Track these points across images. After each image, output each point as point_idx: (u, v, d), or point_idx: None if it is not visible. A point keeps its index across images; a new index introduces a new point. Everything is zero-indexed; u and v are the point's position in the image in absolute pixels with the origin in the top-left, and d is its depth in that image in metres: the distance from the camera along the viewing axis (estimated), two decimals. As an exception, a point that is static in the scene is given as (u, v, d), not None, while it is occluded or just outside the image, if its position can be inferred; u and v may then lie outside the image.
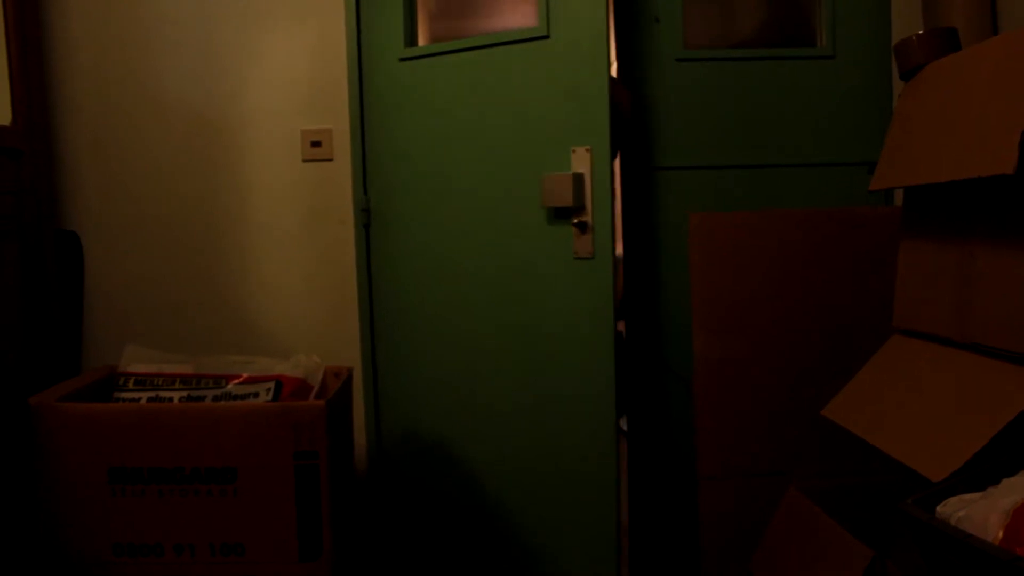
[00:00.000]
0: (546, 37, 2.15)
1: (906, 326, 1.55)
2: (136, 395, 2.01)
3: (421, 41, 2.46)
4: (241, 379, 2.04)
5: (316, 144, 2.48)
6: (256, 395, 2.01)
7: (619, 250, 2.34)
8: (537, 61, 2.17)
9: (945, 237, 1.41)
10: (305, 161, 2.49)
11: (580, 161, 2.10)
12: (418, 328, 2.43)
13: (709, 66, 2.47)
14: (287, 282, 2.53)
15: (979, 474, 1.19)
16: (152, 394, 2.01)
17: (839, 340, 2.12)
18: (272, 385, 2.01)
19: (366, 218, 2.47)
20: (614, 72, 2.53)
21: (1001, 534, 1.03)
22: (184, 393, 2.02)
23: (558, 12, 2.13)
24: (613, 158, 2.12)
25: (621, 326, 2.36)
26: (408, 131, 2.41)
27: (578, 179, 2.10)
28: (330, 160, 2.48)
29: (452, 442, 2.35)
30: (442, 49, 2.32)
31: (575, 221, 2.11)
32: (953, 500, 1.16)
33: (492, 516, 2.30)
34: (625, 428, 2.94)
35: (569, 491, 2.20)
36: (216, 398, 2.00)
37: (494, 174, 2.27)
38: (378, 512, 2.52)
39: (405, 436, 2.42)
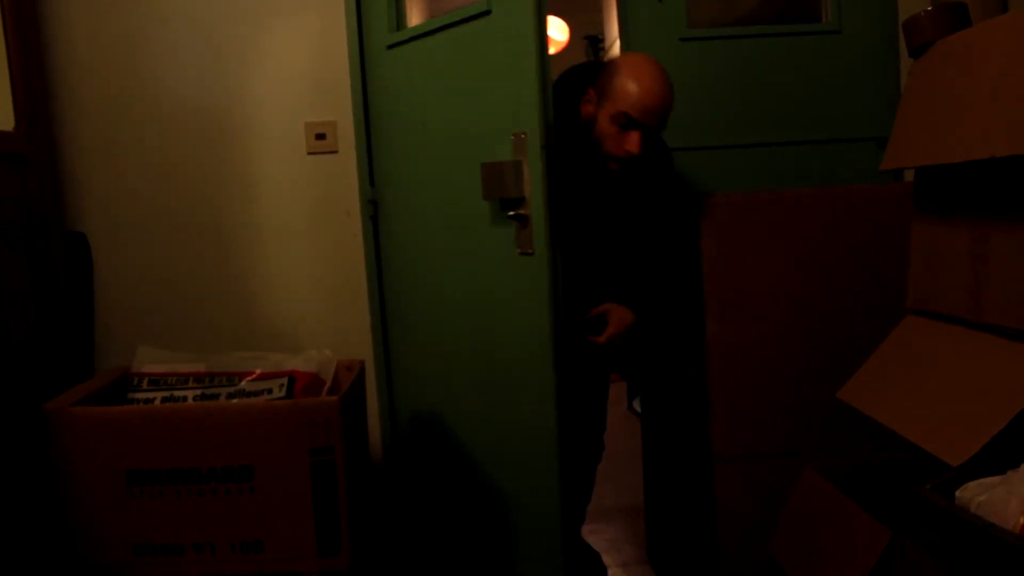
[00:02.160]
0: (488, 12, 1.95)
1: (920, 306, 1.54)
2: (150, 395, 2.02)
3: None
4: (254, 376, 2.04)
5: (321, 137, 2.47)
6: (270, 391, 2.01)
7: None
8: (484, 40, 1.99)
9: (958, 217, 1.40)
10: (310, 154, 2.48)
11: (520, 148, 1.88)
12: (412, 321, 2.42)
13: (713, 45, 2.45)
14: (296, 276, 2.53)
15: (998, 457, 1.19)
16: (166, 394, 2.02)
17: (854, 319, 2.11)
18: (285, 380, 2.02)
19: (372, 209, 2.47)
20: (616, 52, 2.50)
21: (1022, 520, 1.02)
22: (198, 392, 2.02)
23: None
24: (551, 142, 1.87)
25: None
26: (394, 121, 2.39)
27: (515, 167, 1.87)
28: (335, 152, 2.47)
29: (448, 427, 2.33)
30: (410, 35, 2.24)
31: (511, 214, 1.91)
32: (972, 485, 1.15)
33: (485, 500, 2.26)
34: (639, 410, 2.95)
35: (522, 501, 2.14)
36: (230, 396, 2.00)
37: (450, 164, 2.15)
38: (394, 501, 2.53)
39: (417, 423, 2.42)
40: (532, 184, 1.85)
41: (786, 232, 2.11)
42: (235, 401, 1.90)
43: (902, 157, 1.49)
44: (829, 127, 2.48)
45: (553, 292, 1.87)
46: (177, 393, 2.02)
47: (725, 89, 2.45)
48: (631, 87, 1.93)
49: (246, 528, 1.78)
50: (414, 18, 2.66)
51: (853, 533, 1.54)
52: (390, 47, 2.32)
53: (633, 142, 1.94)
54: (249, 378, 2.04)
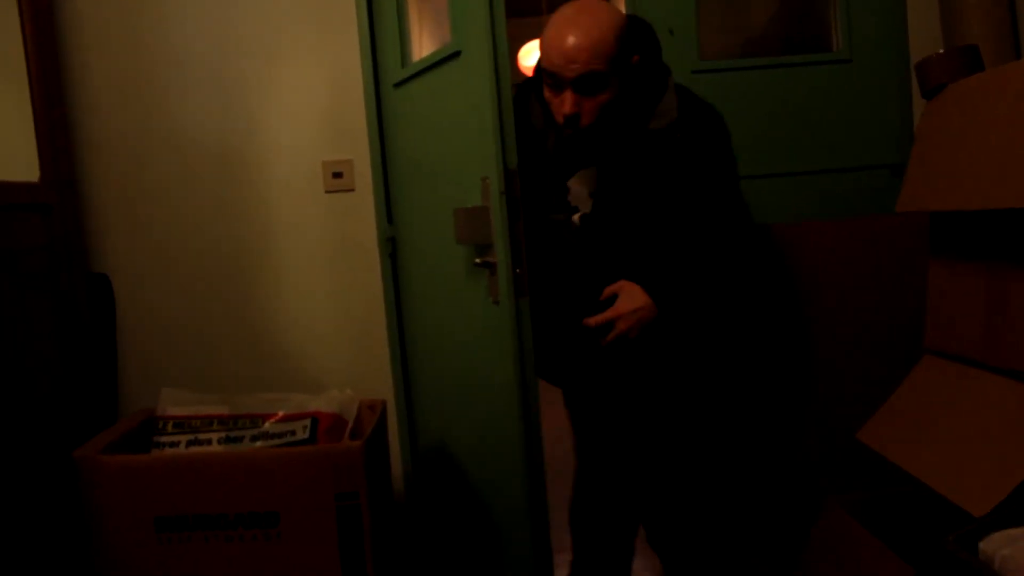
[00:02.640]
0: (457, 55, 1.93)
1: (937, 347, 1.55)
2: (176, 438, 2.04)
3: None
4: (277, 417, 2.06)
5: (338, 175, 2.49)
6: (293, 433, 2.03)
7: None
8: (456, 82, 1.96)
9: (975, 262, 1.41)
10: (328, 192, 2.51)
11: (486, 193, 1.79)
12: (427, 357, 2.44)
13: (725, 76, 2.46)
14: (316, 313, 2.55)
15: (1021, 506, 1.19)
16: (191, 436, 2.04)
17: (872, 349, 2.12)
18: (308, 422, 2.04)
19: (391, 247, 2.49)
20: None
21: (1047, 577, 1.03)
22: (223, 434, 2.05)
23: (465, 26, 1.86)
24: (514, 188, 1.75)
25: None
26: (401, 159, 2.41)
27: (482, 213, 1.79)
28: (352, 191, 2.50)
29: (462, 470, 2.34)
30: (408, 74, 2.26)
31: (477, 261, 1.83)
32: (996, 536, 1.16)
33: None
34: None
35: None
36: (254, 438, 2.03)
37: (438, 206, 2.12)
38: (417, 536, 2.55)
39: (434, 457, 2.44)
40: (496, 231, 1.76)
41: (807, 263, 2.13)
42: (260, 447, 1.92)
43: (918, 200, 1.50)
44: (842, 155, 2.49)
45: (518, 346, 1.77)
46: (202, 436, 2.05)
47: (738, 119, 2.43)
48: (543, 41, 1.74)
49: (273, 573, 1.80)
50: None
51: (878, 572, 1.54)
52: (396, 85, 2.36)
53: (565, 101, 1.72)
54: (272, 420, 2.06)
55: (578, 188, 1.88)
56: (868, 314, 2.13)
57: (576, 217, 1.88)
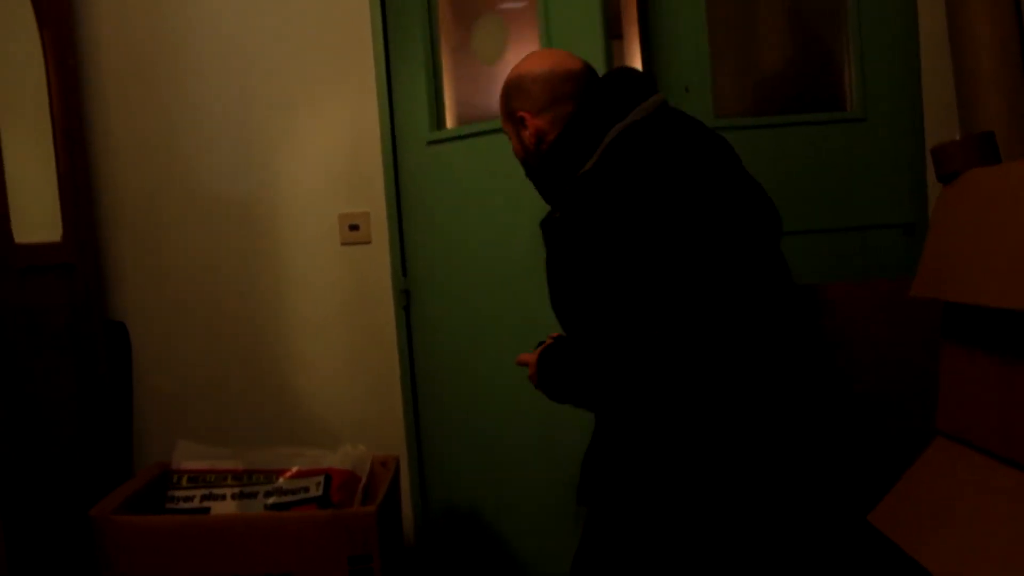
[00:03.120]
0: None
1: (949, 431, 1.54)
2: (190, 493, 2.06)
3: (448, 123, 2.50)
4: (291, 473, 2.08)
5: (354, 228, 2.52)
6: (307, 489, 2.05)
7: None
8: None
9: (988, 353, 1.41)
10: (344, 244, 2.54)
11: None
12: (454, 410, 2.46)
13: (740, 133, 2.47)
14: (330, 365, 2.57)
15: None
16: (206, 491, 2.06)
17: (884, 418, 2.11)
18: (322, 479, 2.05)
19: (405, 299, 2.51)
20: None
21: None
22: (236, 490, 2.06)
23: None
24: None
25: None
26: (443, 208, 2.45)
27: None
28: (368, 243, 2.52)
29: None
30: (455, 134, 2.38)
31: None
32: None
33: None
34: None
35: None
36: (268, 494, 2.04)
37: (508, 244, 2.27)
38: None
39: (449, 513, 2.45)
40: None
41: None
42: (275, 514, 1.93)
43: (932, 287, 1.50)
44: (854, 214, 2.50)
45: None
46: (216, 491, 2.06)
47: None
48: None
49: (286, 636, 1.81)
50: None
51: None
52: (431, 143, 2.42)
53: None
54: (286, 476, 2.08)
55: None
56: (891, 378, 2.13)
57: None
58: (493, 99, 2.64)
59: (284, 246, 2.55)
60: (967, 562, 1.32)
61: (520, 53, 1.73)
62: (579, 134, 1.50)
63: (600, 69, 1.70)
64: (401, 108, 2.47)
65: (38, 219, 2.17)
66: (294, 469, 2.08)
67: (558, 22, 2.21)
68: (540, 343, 1.58)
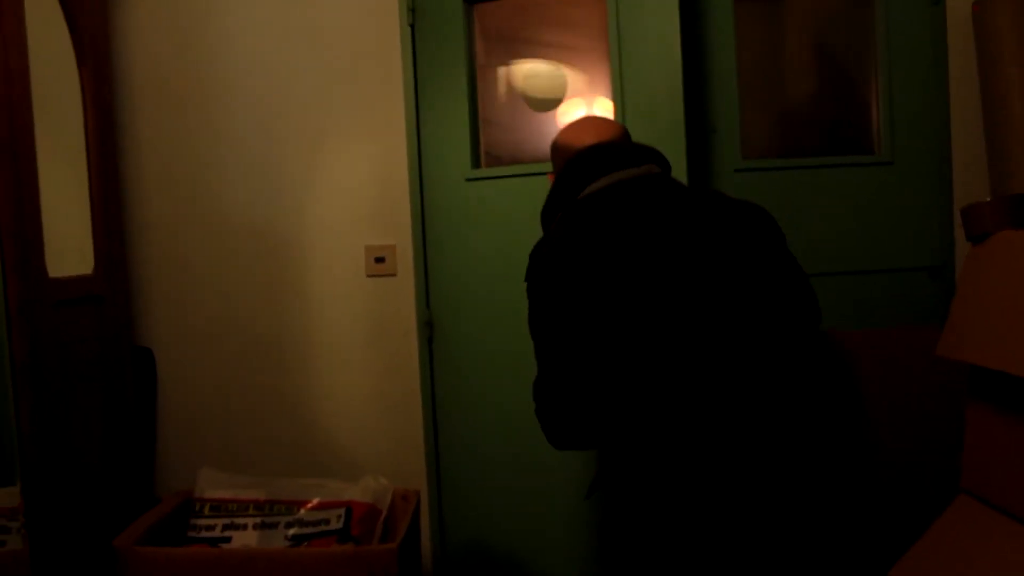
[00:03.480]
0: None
1: (973, 490, 1.54)
2: (212, 522, 2.08)
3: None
4: (312, 504, 2.09)
5: (380, 260, 2.54)
6: (327, 521, 2.06)
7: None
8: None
9: (1014, 415, 1.41)
10: (369, 276, 2.56)
11: None
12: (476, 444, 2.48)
13: (768, 175, 2.48)
14: (353, 395, 2.59)
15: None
16: (227, 520, 2.08)
17: (910, 468, 2.10)
18: (343, 511, 2.07)
19: (429, 331, 2.53)
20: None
21: None
22: (258, 520, 2.08)
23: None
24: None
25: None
26: (473, 244, 2.49)
27: None
28: (394, 275, 2.55)
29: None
30: (496, 174, 2.46)
31: None
32: None
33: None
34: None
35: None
36: (288, 524, 2.06)
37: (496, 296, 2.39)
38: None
39: (469, 548, 2.46)
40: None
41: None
42: (296, 549, 1.95)
43: (958, 349, 1.50)
44: (880, 257, 2.49)
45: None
46: (238, 520, 2.08)
47: (779, 219, 2.47)
48: None
49: (304, 670, 1.82)
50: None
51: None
52: (469, 180, 2.48)
53: None
54: (307, 507, 2.09)
55: None
56: (907, 424, 2.11)
57: None
58: (517, 135, 2.68)
59: (310, 276, 2.58)
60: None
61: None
62: (548, 201, 1.70)
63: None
64: (431, 142, 2.50)
65: (68, 250, 2.21)
66: (315, 501, 2.10)
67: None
68: None
